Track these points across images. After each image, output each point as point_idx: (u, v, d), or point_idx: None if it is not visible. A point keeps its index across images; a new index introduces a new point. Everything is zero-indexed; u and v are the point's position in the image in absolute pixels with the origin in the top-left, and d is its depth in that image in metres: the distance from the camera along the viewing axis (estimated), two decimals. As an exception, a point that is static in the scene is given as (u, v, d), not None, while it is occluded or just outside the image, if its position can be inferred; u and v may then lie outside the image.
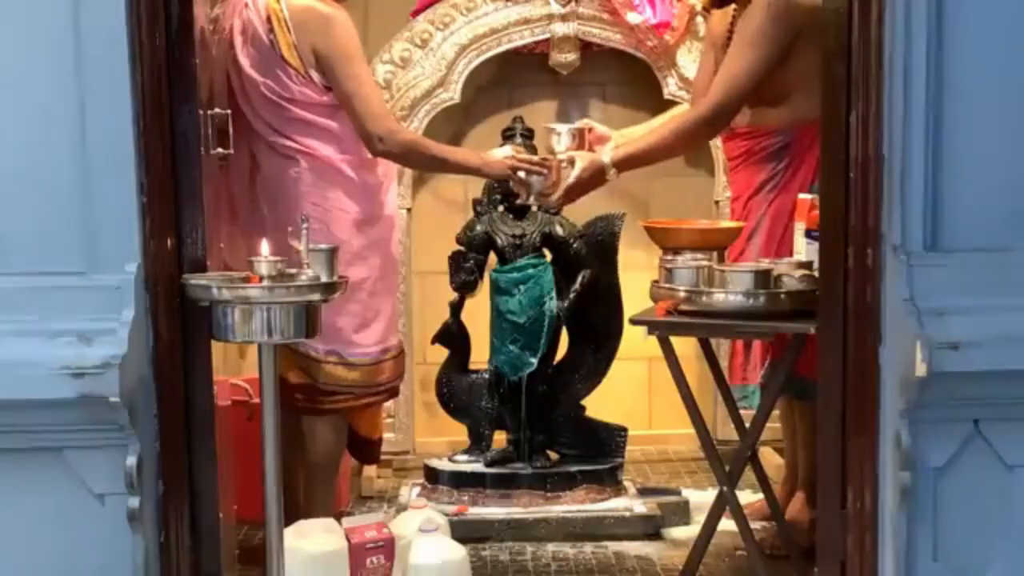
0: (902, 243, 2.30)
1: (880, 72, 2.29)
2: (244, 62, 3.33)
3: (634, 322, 3.25)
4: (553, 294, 3.84)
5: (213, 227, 2.58)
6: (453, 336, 3.99)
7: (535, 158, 3.64)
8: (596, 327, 3.97)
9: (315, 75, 3.32)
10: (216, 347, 2.49)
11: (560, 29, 4.46)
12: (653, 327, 3.16)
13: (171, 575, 2.37)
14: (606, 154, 3.51)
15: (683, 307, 3.11)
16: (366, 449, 3.71)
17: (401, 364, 3.59)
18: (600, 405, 4.06)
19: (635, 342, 3.65)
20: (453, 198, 4.64)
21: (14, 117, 2.30)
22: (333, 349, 3.37)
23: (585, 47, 4.54)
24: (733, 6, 3.63)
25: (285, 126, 3.33)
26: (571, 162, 3.55)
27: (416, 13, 4.48)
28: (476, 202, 3.95)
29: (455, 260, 3.90)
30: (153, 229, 2.32)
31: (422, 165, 3.88)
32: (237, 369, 4.07)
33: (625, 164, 3.51)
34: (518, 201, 3.75)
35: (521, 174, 3.58)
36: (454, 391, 4.02)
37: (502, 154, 3.66)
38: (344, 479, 3.95)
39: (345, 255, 3.03)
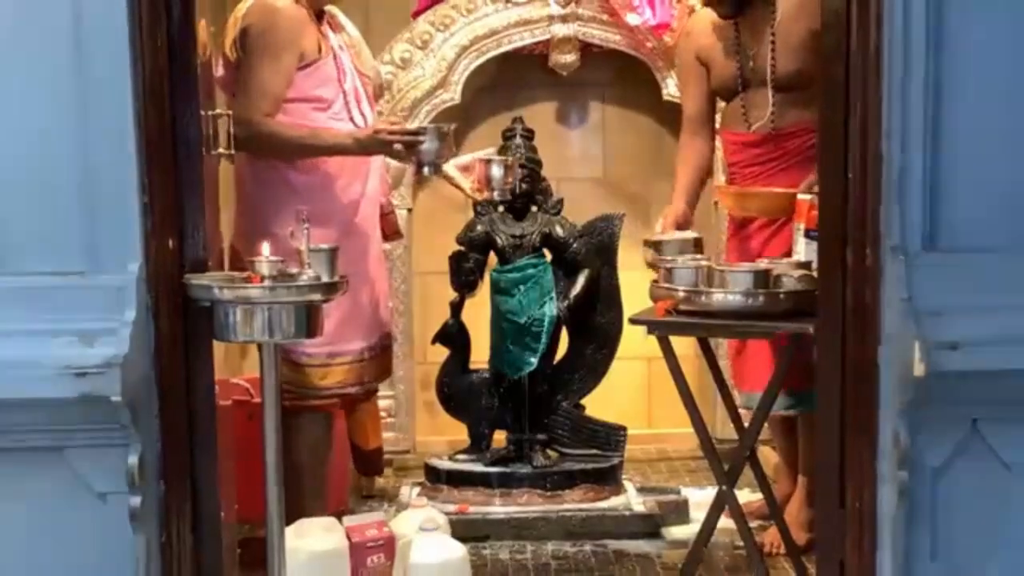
0: (901, 243, 2.30)
1: (879, 72, 2.30)
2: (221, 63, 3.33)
3: (634, 322, 3.25)
4: (553, 294, 3.85)
5: (214, 226, 2.59)
6: (453, 336, 4.00)
7: (410, 127, 3.38)
8: (596, 327, 3.97)
9: None
10: (216, 346, 2.49)
11: (560, 30, 4.47)
12: (653, 327, 3.17)
13: (172, 574, 2.37)
14: None
15: (682, 307, 3.12)
16: (364, 459, 3.65)
17: (360, 373, 3.41)
18: (600, 404, 4.06)
19: (635, 342, 3.66)
20: (453, 198, 4.64)
21: (15, 117, 2.29)
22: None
23: (585, 48, 4.54)
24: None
25: None
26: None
27: (417, 14, 4.49)
28: (476, 202, 3.95)
29: (455, 260, 3.90)
30: (155, 229, 2.32)
31: (282, 154, 3.28)
32: (237, 369, 4.08)
33: None
34: (414, 174, 3.52)
35: (398, 146, 3.24)
36: (454, 391, 4.02)
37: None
38: (344, 478, 3.94)
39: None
